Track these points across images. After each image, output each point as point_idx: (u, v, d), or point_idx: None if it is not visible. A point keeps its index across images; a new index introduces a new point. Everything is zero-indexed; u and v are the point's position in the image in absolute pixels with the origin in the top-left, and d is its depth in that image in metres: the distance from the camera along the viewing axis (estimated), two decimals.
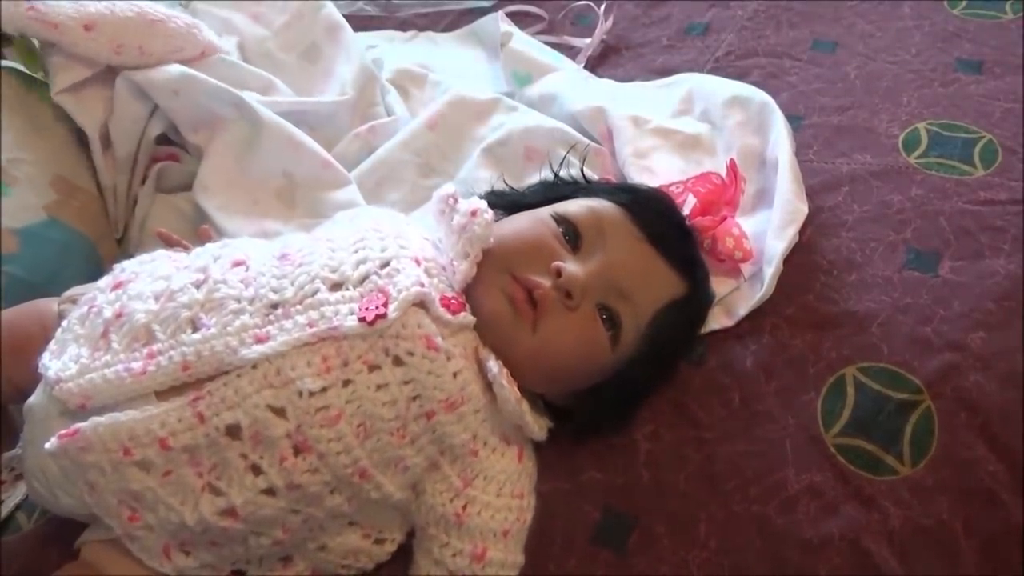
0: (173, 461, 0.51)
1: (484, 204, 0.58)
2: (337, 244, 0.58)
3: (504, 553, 0.54)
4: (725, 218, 0.69)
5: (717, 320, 0.66)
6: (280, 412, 0.51)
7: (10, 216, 0.74)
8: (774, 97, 0.80)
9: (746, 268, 0.69)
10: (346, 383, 0.52)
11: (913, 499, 0.56)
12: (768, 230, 0.70)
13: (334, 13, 0.99)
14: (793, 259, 0.68)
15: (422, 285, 0.54)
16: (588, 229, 0.59)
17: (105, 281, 0.60)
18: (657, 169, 0.79)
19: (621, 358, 0.57)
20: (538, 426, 0.56)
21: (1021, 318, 0.62)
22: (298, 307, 0.54)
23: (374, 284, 0.54)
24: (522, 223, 0.60)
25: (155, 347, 0.54)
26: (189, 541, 0.53)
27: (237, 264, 0.58)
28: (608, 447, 0.60)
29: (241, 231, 0.76)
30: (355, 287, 0.54)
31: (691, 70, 0.91)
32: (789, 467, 0.58)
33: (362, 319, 0.52)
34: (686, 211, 0.72)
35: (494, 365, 0.54)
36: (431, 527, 0.54)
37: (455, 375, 0.53)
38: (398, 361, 0.52)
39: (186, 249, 0.68)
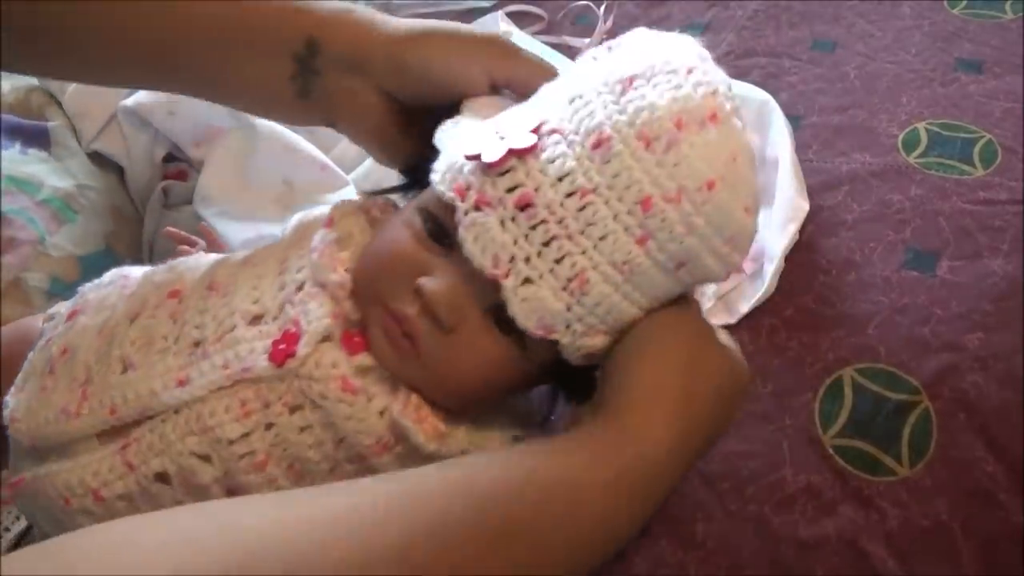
0: (110, 509, 0.49)
1: (326, 240, 0.50)
2: (263, 268, 0.52)
3: None
4: None
5: (718, 317, 0.66)
6: (206, 459, 0.48)
7: (74, 243, 0.76)
8: (774, 97, 0.80)
9: (747, 265, 0.69)
10: (268, 426, 0.48)
11: (911, 500, 0.56)
12: (769, 227, 0.70)
13: None
14: (793, 259, 0.68)
15: (335, 317, 0.47)
16: (453, 216, 0.45)
17: (67, 306, 0.58)
18: None
19: (542, 350, 0.47)
20: (480, 443, 0.49)
21: (1020, 319, 0.62)
22: (216, 346, 0.49)
23: (288, 315, 0.48)
24: (385, 232, 0.50)
25: (89, 388, 0.51)
26: None
27: (171, 295, 0.53)
28: None
29: (240, 236, 0.77)
30: (274, 319, 0.49)
31: None
32: (787, 468, 0.58)
33: (271, 359, 0.47)
34: None
35: (396, 406, 0.47)
36: None
37: (381, 413, 0.47)
38: (315, 405, 0.47)
39: (194, 246, 0.67)
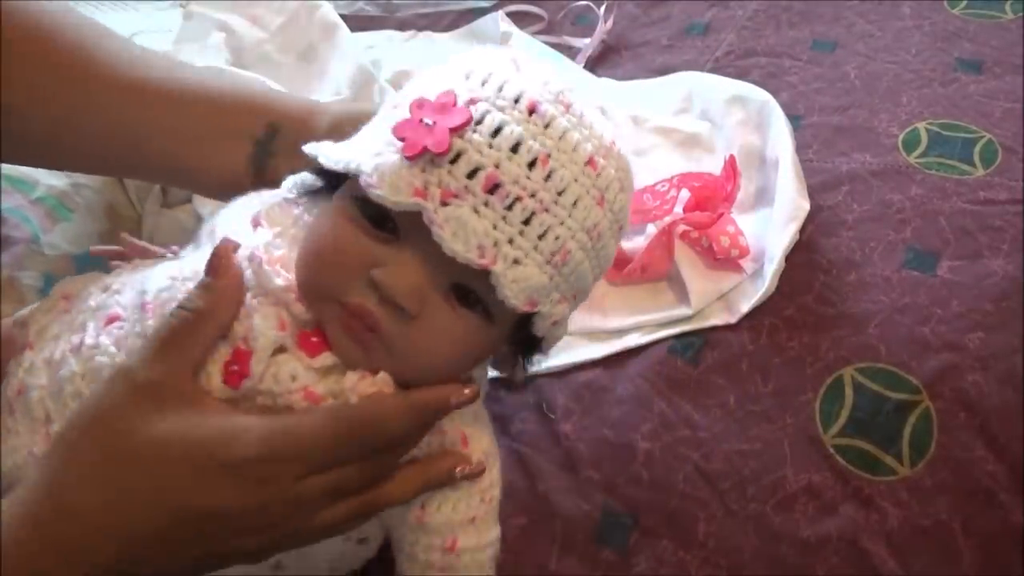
0: None
1: (251, 249, 0.47)
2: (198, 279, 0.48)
3: (476, 538, 0.50)
4: (721, 215, 0.69)
5: (719, 316, 0.66)
6: None
7: (69, 241, 0.75)
8: (774, 97, 0.80)
9: (747, 264, 0.69)
10: None
11: (912, 499, 0.56)
12: (770, 227, 0.71)
13: (330, 13, 0.99)
14: (793, 258, 0.68)
15: (283, 327, 0.45)
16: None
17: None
18: (658, 167, 0.79)
19: (511, 318, 0.46)
20: None
21: (1020, 319, 0.62)
22: None
23: (235, 332, 0.46)
24: (324, 226, 0.47)
25: (51, 427, 0.49)
26: None
27: (111, 321, 0.50)
28: (606, 446, 0.60)
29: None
30: (223, 338, 0.46)
31: (691, 70, 0.91)
32: (787, 467, 0.58)
33: (226, 382, 0.45)
34: (679, 207, 0.72)
35: (352, 377, 0.45)
36: (396, 530, 0.51)
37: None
38: (287, 410, 0.45)
39: (126, 259, 0.62)
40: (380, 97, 0.94)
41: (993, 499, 0.56)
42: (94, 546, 0.41)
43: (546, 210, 0.43)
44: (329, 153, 0.46)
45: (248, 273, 0.46)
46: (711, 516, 0.57)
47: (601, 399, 0.63)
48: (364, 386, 0.45)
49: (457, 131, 0.42)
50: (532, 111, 0.43)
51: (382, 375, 0.45)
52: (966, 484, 0.56)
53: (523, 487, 0.59)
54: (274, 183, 0.54)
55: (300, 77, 0.94)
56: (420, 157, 0.42)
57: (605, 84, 0.93)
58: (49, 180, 0.78)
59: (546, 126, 0.43)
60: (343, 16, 1.00)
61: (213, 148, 0.57)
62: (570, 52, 1.01)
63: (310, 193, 0.51)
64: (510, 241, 0.43)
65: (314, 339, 0.46)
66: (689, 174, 0.75)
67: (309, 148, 0.47)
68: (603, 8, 1.03)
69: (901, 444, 0.58)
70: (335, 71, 0.94)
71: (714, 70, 0.91)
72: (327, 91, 0.92)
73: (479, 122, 0.43)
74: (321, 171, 0.49)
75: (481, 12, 1.08)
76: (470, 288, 0.44)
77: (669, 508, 0.57)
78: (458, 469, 0.48)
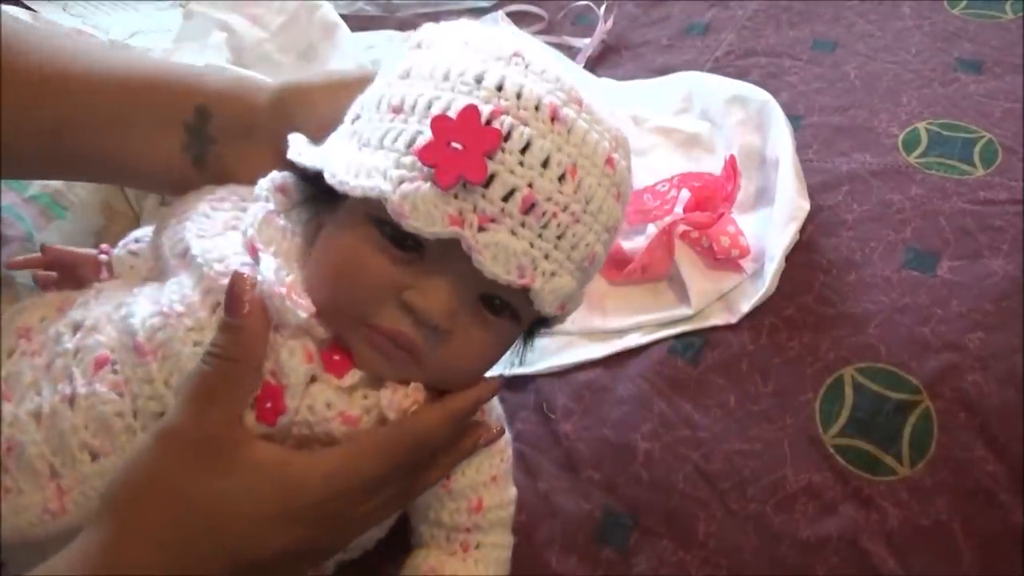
0: None
1: (264, 284, 0.44)
2: (187, 307, 0.46)
3: (499, 495, 0.53)
4: (722, 215, 0.69)
5: (719, 316, 0.66)
6: None
7: (63, 239, 0.74)
8: (774, 97, 0.80)
9: (748, 264, 0.69)
10: None
11: (912, 499, 0.56)
12: (770, 227, 0.71)
13: (330, 13, 0.99)
14: (793, 258, 0.68)
15: (310, 359, 0.44)
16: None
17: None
18: (658, 167, 0.79)
19: (535, 315, 0.47)
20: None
21: (1020, 319, 0.62)
22: None
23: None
24: (341, 248, 0.45)
25: (62, 482, 0.47)
26: None
27: (100, 365, 0.47)
28: (606, 446, 0.60)
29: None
30: None
31: (691, 70, 0.91)
32: (787, 467, 0.58)
33: (260, 419, 0.44)
34: (680, 207, 0.72)
35: (387, 393, 0.45)
36: (419, 501, 0.52)
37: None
38: (322, 443, 0.45)
39: (51, 268, 0.60)
40: None
41: (993, 499, 0.56)
42: None
43: (577, 221, 0.43)
44: (336, 171, 0.44)
45: (274, 306, 0.44)
46: (711, 516, 0.57)
47: (601, 399, 0.63)
48: (399, 399, 0.45)
49: (491, 152, 0.41)
50: (554, 118, 0.43)
51: (414, 385, 0.46)
52: (966, 484, 0.56)
53: (523, 487, 0.59)
54: (220, 174, 0.53)
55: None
56: (456, 182, 0.41)
57: (605, 84, 0.93)
58: None
59: (569, 132, 0.43)
60: (343, 16, 1.00)
61: (142, 136, 0.53)
62: (570, 52, 1.01)
63: (300, 202, 0.49)
64: (546, 257, 0.43)
65: (336, 357, 0.45)
66: (689, 174, 0.75)
67: (297, 157, 0.46)
68: (603, 8, 1.03)
69: (901, 444, 0.58)
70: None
71: (714, 70, 0.91)
72: None
73: (507, 138, 0.41)
74: (307, 176, 0.47)
75: (481, 12, 1.08)
76: (499, 298, 0.44)
77: (669, 508, 0.57)
78: (482, 439, 0.49)
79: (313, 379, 0.45)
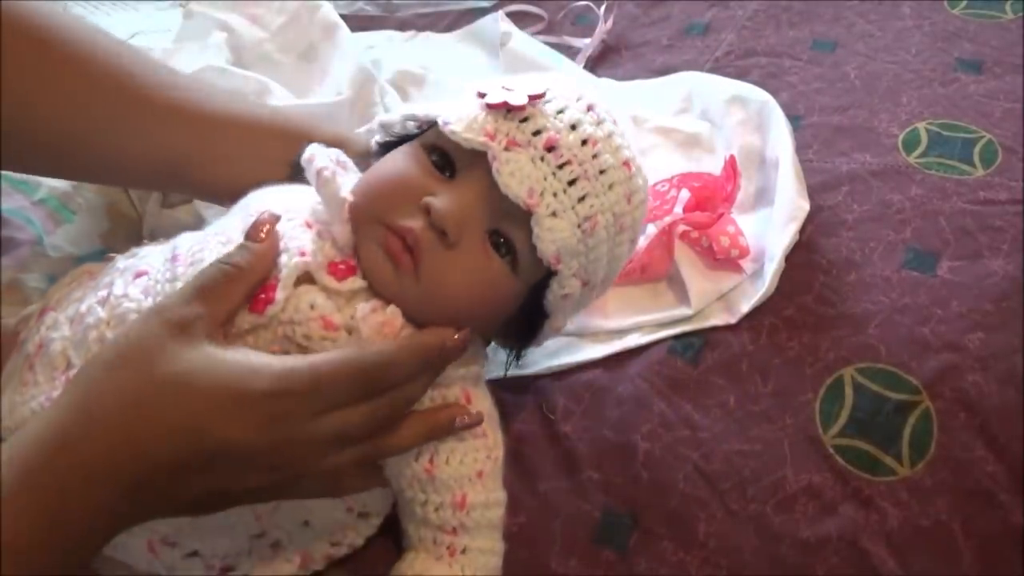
0: None
1: (332, 157, 0.53)
2: (228, 236, 0.53)
3: (484, 494, 0.53)
4: (722, 215, 0.69)
5: (719, 316, 0.66)
6: None
7: (71, 243, 0.75)
8: (774, 97, 0.80)
9: (747, 264, 0.69)
10: None
11: (912, 500, 0.56)
12: (770, 227, 0.71)
13: (331, 13, 0.99)
14: (793, 259, 0.68)
15: (303, 254, 0.50)
16: (461, 152, 0.50)
17: (37, 306, 0.58)
18: (658, 167, 0.79)
19: (531, 279, 0.52)
20: None
21: (1020, 319, 0.62)
22: None
23: None
24: (389, 163, 0.53)
25: (71, 374, 0.50)
26: (171, 533, 0.52)
27: (139, 275, 0.54)
28: (607, 446, 0.60)
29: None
30: None
31: (691, 70, 0.91)
32: (787, 467, 0.58)
33: (252, 308, 0.49)
34: (679, 207, 0.72)
35: (365, 307, 0.49)
36: (407, 489, 0.53)
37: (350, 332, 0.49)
38: (301, 347, 0.49)
39: None
40: (380, 97, 0.95)
41: (993, 499, 0.56)
42: (116, 467, 0.43)
43: (588, 179, 0.50)
44: (417, 109, 0.54)
45: (324, 177, 0.51)
46: (711, 516, 0.57)
47: (601, 399, 0.63)
48: (374, 317, 0.49)
49: (534, 100, 0.50)
50: (590, 109, 0.52)
51: (392, 308, 0.49)
52: (966, 484, 0.56)
53: (523, 487, 0.59)
54: None
55: (300, 77, 0.94)
56: (498, 110, 0.50)
57: (605, 84, 0.93)
58: (50, 181, 0.78)
59: (599, 122, 0.52)
60: (343, 16, 1.00)
61: (251, 170, 0.60)
62: (570, 52, 1.01)
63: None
64: (554, 194, 0.49)
65: (342, 266, 0.50)
66: (689, 174, 0.75)
67: (408, 109, 0.55)
68: (603, 8, 1.03)
69: (901, 444, 0.58)
70: (335, 71, 0.94)
71: (714, 70, 0.91)
72: (328, 91, 0.92)
73: (548, 101, 0.51)
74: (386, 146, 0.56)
75: (481, 12, 1.08)
76: (506, 235, 0.50)
77: (669, 508, 0.57)
78: (458, 419, 0.51)
79: (309, 280, 0.49)
